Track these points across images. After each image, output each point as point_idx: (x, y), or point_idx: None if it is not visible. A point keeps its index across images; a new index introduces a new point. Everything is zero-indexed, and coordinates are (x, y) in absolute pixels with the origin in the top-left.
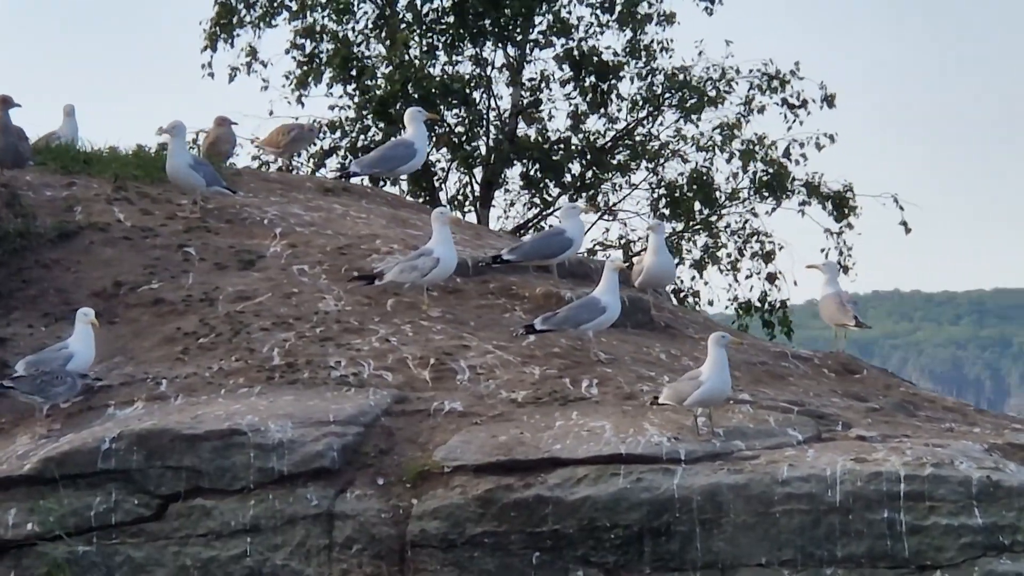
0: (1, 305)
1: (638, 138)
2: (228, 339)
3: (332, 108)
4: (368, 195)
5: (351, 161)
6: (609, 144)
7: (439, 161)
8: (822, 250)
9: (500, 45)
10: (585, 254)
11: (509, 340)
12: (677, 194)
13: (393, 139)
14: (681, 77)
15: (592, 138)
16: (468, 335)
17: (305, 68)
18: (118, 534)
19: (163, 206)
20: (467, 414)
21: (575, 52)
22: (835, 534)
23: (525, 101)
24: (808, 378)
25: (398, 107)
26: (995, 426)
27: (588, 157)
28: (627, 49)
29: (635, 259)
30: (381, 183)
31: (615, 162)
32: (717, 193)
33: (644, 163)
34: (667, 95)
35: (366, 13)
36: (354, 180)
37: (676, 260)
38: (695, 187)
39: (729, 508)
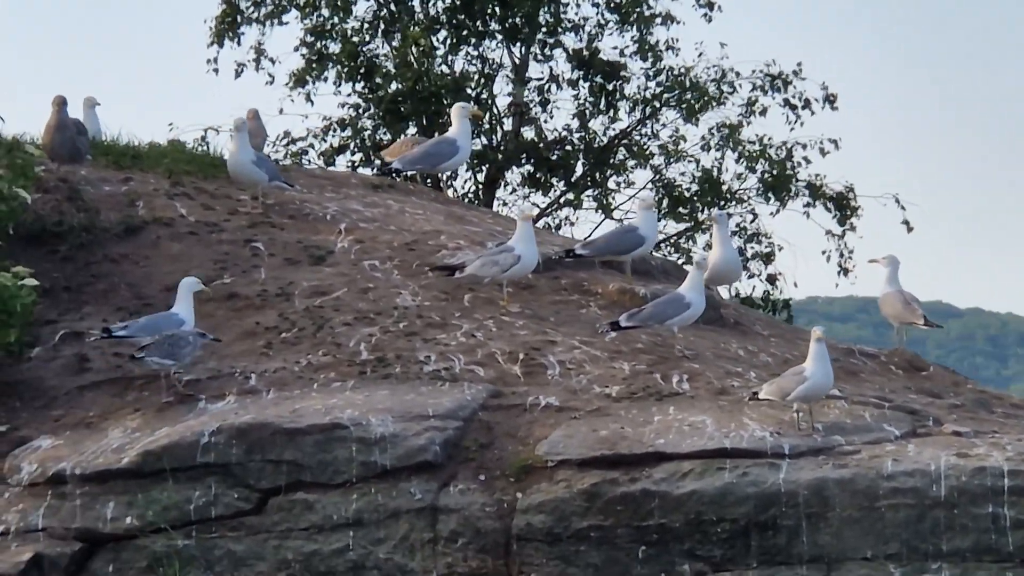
0: (72, 299)
1: (637, 138)
2: (311, 334)
3: (342, 106)
4: (415, 192)
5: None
6: (606, 144)
7: None
8: (823, 252)
9: (507, 44)
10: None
11: (591, 335)
12: (676, 193)
13: (437, 136)
14: (683, 79)
15: (591, 138)
16: (551, 331)
17: (310, 66)
18: (218, 527)
19: (222, 201)
20: (564, 409)
21: (584, 52)
22: (940, 528)
23: (531, 100)
24: (879, 375)
25: (409, 104)
26: None
27: (591, 156)
28: (634, 49)
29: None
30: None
31: (614, 162)
32: (728, 193)
33: (645, 163)
34: (669, 95)
35: (372, 8)
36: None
37: (682, 260)
38: (706, 186)
39: (835, 502)
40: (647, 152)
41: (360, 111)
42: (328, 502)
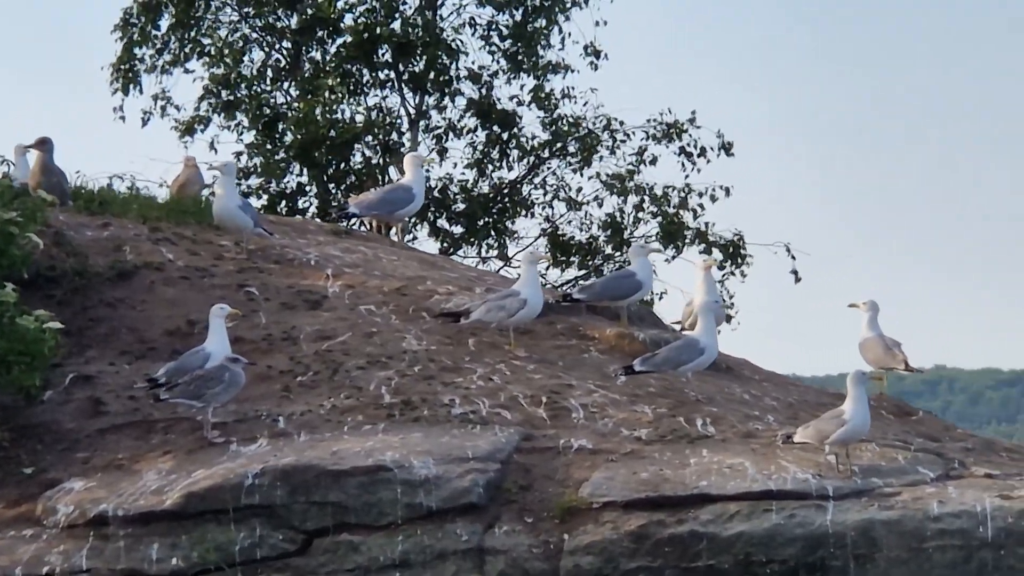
0: (74, 343)
1: (528, 188)
2: (328, 377)
3: (240, 155)
4: (373, 239)
5: (345, 202)
6: (505, 191)
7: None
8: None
9: (401, 92)
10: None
11: (603, 379)
12: (563, 241)
13: (391, 182)
14: (574, 128)
15: (492, 186)
16: (563, 375)
17: (217, 112)
18: (263, 569)
19: (205, 247)
20: (598, 451)
21: (482, 100)
22: (987, 569)
23: (431, 148)
24: (875, 420)
25: (321, 151)
26: None
27: (492, 204)
28: (530, 98)
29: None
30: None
31: (511, 209)
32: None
33: (533, 211)
34: (561, 143)
35: (272, 57)
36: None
37: None
38: (609, 231)
39: (882, 543)
40: (546, 198)
41: (265, 158)
42: (373, 543)
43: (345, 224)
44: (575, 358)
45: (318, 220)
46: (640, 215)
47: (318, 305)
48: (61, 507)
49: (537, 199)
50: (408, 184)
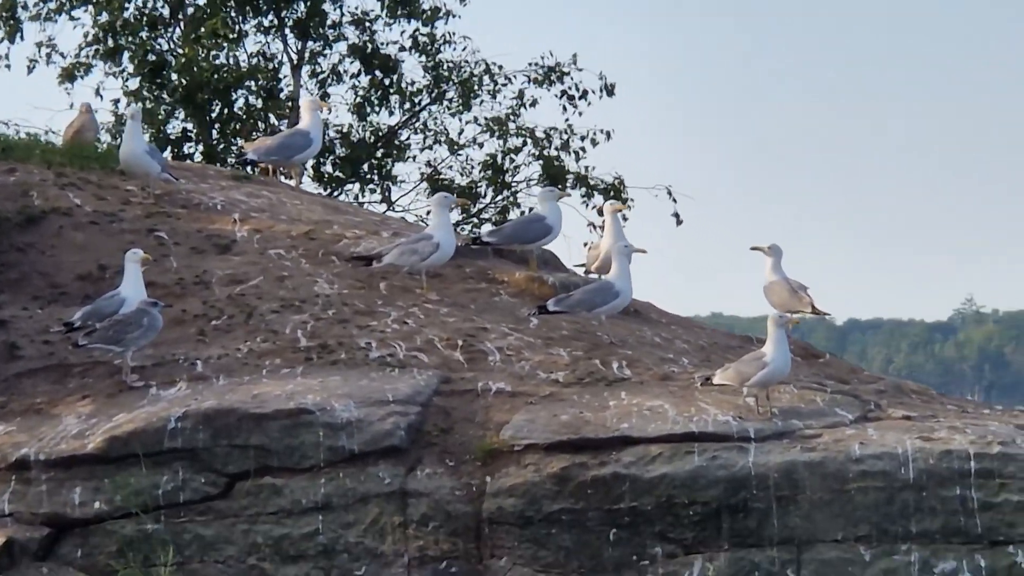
0: None
1: (405, 133)
2: (243, 321)
3: (118, 101)
4: (272, 184)
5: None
6: (387, 136)
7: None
8: (585, 244)
9: (284, 38)
10: None
11: (516, 323)
12: (442, 184)
13: (275, 128)
14: (454, 73)
15: (373, 130)
16: (476, 318)
17: (103, 59)
18: (186, 512)
19: (112, 191)
20: (517, 394)
21: (365, 45)
22: (909, 510)
23: (312, 94)
24: None
25: (204, 96)
26: (961, 407)
27: (377, 149)
28: (411, 43)
29: (590, 244)
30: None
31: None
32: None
33: (412, 155)
34: (442, 87)
35: (151, 4)
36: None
37: None
38: (489, 172)
39: (805, 485)
40: (426, 143)
41: (150, 104)
42: (296, 486)
43: (250, 169)
44: (486, 301)
45: (217, 165)
46: (514, 157)
47: (227, 249)
48: None
49: (416, 143)
50: (305, 129)
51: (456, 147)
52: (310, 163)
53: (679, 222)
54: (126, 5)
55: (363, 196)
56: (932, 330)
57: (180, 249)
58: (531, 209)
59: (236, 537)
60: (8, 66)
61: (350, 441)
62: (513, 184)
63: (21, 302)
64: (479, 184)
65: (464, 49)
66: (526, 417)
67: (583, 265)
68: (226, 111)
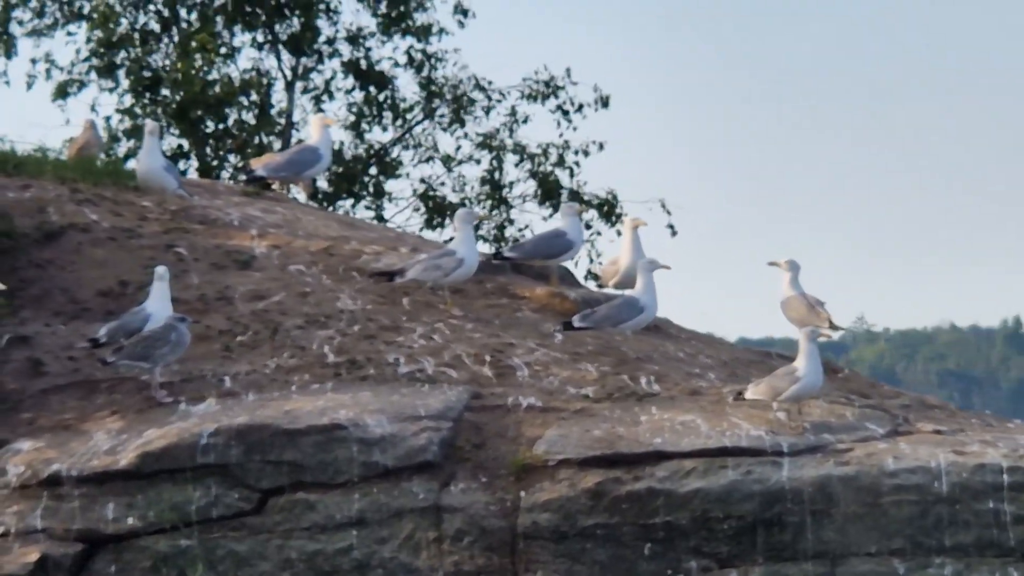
0: (5, 304)
1: (396, 150)
2: (268, 337)
3: (108, 119)
4: (283, 200)
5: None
6: (379, 153)
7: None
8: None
9: (278, 53)
10: None
11: (541, 338)
12: (436, 202)
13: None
14: (446, 89)
15: (368, 147)
16: (502, 333)
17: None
18: (219, 528)
19: (127, 207)
20: (548, 409)
21: (360, 62)
22: (943, 524)
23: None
24: None
25: (198, 112)
26: (985, 423)
27: (373, 166)
28: (406, 60)
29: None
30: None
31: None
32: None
33: (405, 172)
34: (436, 104)
35: (142, 20)
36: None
37: None
38: (488, 188)
39: (839, 499)
40: (414, 160)
41: (141, 119)
42: (330, 502)
43: (266, 187)
44: (509, 317)
45: (228, 182)
46: (503, 172)
47: (248, 265)
48: (11, 468)
49: (408, 160)
50: (315, 145)
51: (451, 162)
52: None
53: (674, 233)
54: (120, 20)
55: (355, 213)
56: (824, 349)
57: (200, 265)
58: (527, 226)
59: (270, 553)
60: (7, 82)
61: (384, 456)
62: (510, 199)
63: (43, 318)
64: (473, 201)
65: (455, 64)
66: (559, 432)
67: (595, 278)
68: (220, 126)
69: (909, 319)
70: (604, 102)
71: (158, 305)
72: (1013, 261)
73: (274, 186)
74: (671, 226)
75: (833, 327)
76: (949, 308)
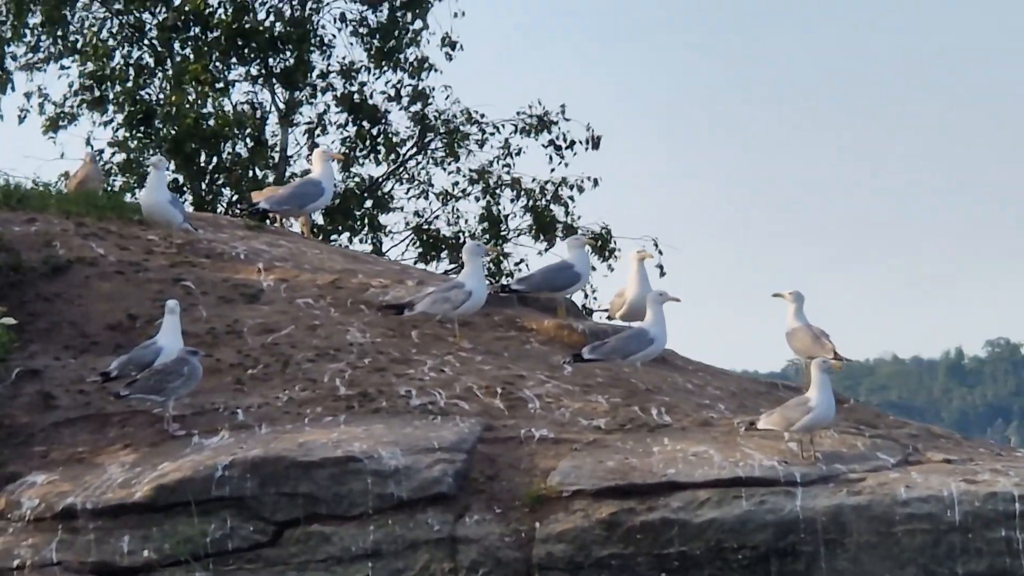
0: (14, 338)
1: (389, 184)
2: (280, 370)
3: (101, 152)
4: (286, 234)
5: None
6: (373, 186)
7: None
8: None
9: (271, 87)
10: None
11: (550, 370)
12: (426, 235)
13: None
14: (439, 123)
15: (362, 181)
16: (511, 365)
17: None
18: (235, 560)
19: (133, 241)
20: (560, 441)
21: (353, 96)
22: (956, 552)
23: (299, 144)
24: None
25: (191, 145)
26: (991, 450)
27: (367, 199)
28: (396, 93)
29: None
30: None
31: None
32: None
33: (398, 206)
34: (430, 137)
35: (136, 55)
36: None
37: None
38: (486, 224)
39: (852, 528)
40: (408, 194)
41: (136, 153)
42: (345, 534)
43: (267, 220)
44: (518, 349)
45: (229, 216)
46: (500, 207)
47: (256, 299)
48: (26, 500)
49: (400, 194)
50: (317, 179)
51: (447, 197)
52: None
53: (662, 273)
54: (113, 54)
55: (350, 246)
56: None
57: (208, 299)
58: (523, 260)
59: None
60: (1, 116)
61: (398, 488)
62: (507, 234)
63: (52, 352)
64: (467, 235)
65: (447, 98)
66: (572, 463)
67: (605, 310)
68: (214, 159)
69: (851, 350)
70: (595, 143)
71: (170, 338)
72: (955, 293)
73: (274, 219)
74: (660, 266)
75: (837, 358)
76: (891, 340)
